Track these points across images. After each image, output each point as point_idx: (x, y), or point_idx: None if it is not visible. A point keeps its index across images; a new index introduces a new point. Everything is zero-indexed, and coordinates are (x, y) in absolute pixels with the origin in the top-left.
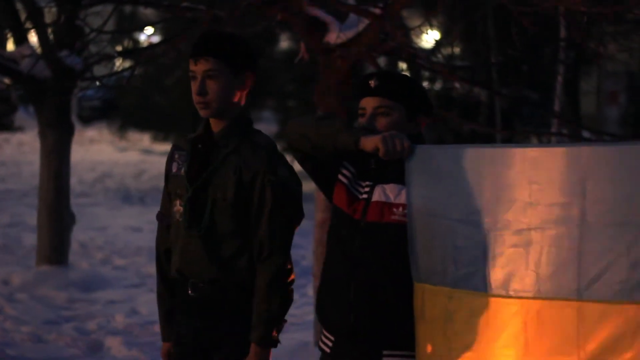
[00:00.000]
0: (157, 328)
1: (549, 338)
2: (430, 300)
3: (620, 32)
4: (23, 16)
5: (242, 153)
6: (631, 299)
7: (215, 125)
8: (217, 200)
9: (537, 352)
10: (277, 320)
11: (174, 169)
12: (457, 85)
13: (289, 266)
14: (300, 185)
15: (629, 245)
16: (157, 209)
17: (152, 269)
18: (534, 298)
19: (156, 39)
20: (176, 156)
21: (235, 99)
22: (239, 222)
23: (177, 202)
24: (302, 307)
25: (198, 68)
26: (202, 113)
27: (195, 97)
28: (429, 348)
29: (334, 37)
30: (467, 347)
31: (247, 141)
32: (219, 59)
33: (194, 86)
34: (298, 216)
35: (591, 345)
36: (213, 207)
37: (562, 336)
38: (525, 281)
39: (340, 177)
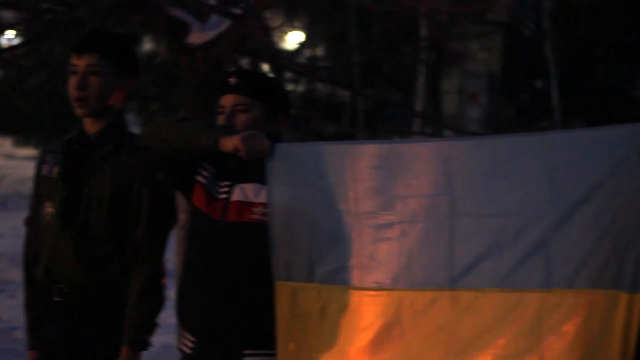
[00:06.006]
0: (19, 334)
1: (423, 327)
2: (296, 297)
3: (481, 32)
4: None
5: (120, 155)
6: (501, 286)
7: (91, 126)
8: (92, 201)
9: (412, 342)
10: (149, 323)
11: (45, 171)
12: (319, 86)
13: (162, 270)
14: (175, 189)
15: (497, 236)
16: (18, 214)
17: (13, 274)
18: (406, 289)
19: (17, 42)
20: (47, 158)
21: (113, 100)
22: (113, 225)
23: (48, 204)
24: (165, 310)
25: (81, 62)
26: (79, 111)
27: (73, 92)
28: (294, 346)
29: (195, 38)
30: (342, 341)
31: (125, 143)
32: (104, 56)
33: (74, 80)
34: (173, 220)
35: (464, 333)
36: (88, 208)
37: (436, 325)
38: (396, 273)
39: (198, 177)
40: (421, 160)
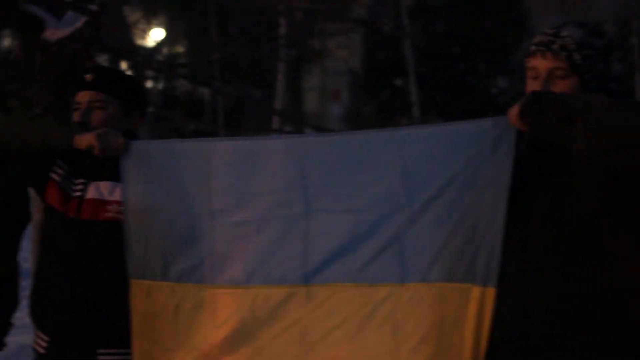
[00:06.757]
0: None
1: (277, 323)
2: (151, 296)
3: (341, 30)
4: None
5: None
6: (356, 281)
7: None
8: None
9: (266, 338)
10: (3, 323)
11: None
12: (180, 83)
13: (16, 269)
14: (28, 187)
15: (352, 231)
16: None
17: None
18: (260, 286)
19: None
20: None
21: None
22: None
23: None
24: (22, 310)
25: None
26: None
27: None
28: (149, 344)
29: (49, 34)
30: (196, 338)
31: None
32: None
33: None
34: (26, 218)
35: (318, 328)
36: None
37: (290, 321)
38: (251, 270)
39: (53, 175)
40: (275, 157)
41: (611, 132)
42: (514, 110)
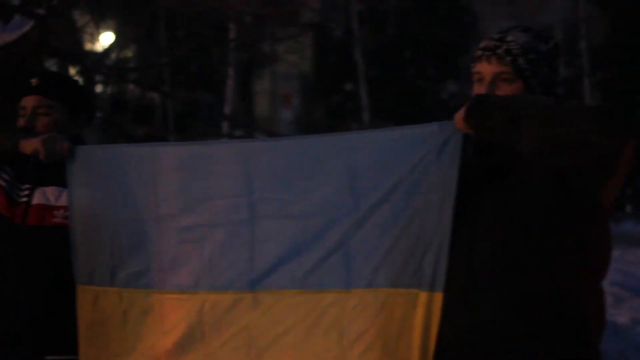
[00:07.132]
0: None
1: (224, 330)
2: (98, 302)
3: (291, 34)
4: None
5: None
6: (302, 287)
7: None
8: None
9: (214, 344)
10: None
11: None
12: (130, 87)
13: None
14: None
15: (297, 237)
16: None
17: None
18: (208, 292)
19: None
20: None
21: None
22: None
23: None
24: None
25: None
26: None
27: None
28: (96, 350)
29: None
30: (144, 344)
31: None
32: None
33: None
34: None
35: (265, 335)
36: None
37: (238, 327)
38: (198, 276)
39: None
40: (221, 162)
41: (555, 131)
42: (459, 114)
